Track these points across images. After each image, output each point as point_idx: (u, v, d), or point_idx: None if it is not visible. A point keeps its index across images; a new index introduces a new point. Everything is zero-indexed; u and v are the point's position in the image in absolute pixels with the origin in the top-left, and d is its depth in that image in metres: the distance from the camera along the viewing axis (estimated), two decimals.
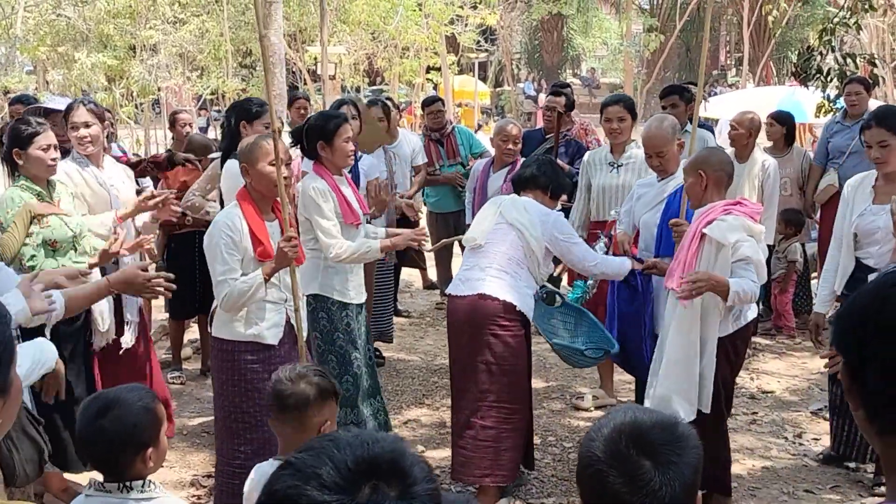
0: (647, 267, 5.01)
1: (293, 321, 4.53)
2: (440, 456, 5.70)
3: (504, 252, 4.88)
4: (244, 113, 5.71)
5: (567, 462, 5.60)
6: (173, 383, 6.96)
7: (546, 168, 5.24)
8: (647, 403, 4.58)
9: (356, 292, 5.29)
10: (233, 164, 5.60)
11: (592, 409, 6.48)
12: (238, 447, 4.41)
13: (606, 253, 5.32)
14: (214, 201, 6.12)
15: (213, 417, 6.08)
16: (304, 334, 4.54)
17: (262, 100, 6.01)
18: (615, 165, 6.47)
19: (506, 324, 4.80)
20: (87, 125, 5.28)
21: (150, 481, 2.72)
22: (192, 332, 7.82)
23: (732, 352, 4.61)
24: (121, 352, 5.30)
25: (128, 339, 5.36)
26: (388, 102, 8.58)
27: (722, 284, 4.28)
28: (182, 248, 6.94)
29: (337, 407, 3.26)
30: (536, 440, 5.80)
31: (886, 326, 1.40)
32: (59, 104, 6.01)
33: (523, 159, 6.74)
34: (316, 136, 5.16)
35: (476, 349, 4.82)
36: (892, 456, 1.46)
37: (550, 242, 4.92)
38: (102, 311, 5.01)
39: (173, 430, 5.91)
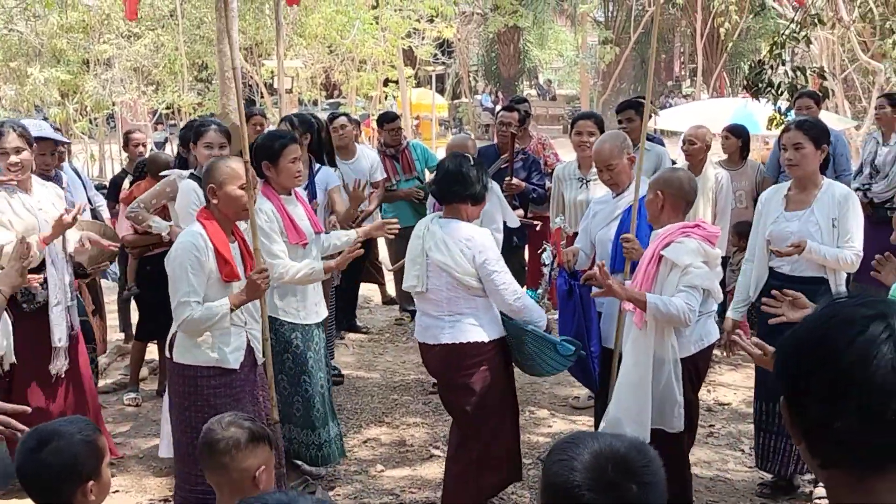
0: (587, 277, 5.03)
1: (252, 344, 4.52)
2: (400, 475, 5.69)
3: (447, 297, 4.71)
4: (189, 133, 5.77)
5: (526, 479, 5.58)
6: (129, 405, 6.89)
7: (456, 178, 4.84)
8: (601, 425, 4.62)
9: (308, 312, 5.25)
10: (187, 184, 5.59)
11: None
12: (199, 473, 4.36)
13: (553, 261, 5.35)
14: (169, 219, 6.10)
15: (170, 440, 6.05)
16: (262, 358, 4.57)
17: (205, 119, 6.03)
18: (583, 181, 6.52)
19: (478, 360, 4.74)
20: (17, 151, 5.08)
21: None
22: (150, 353, 7.74)
23: (694, 373, 4.64)
24: (53, 378, 5.25)
25: (58, 366, 5.27)
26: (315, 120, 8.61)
27: (638, 297, 4.32)
28: (157, 268, 6.84)
29: (272, 452, 3.20)
30: (523, 448, 5.82)
31: (825, 362, 1.42)
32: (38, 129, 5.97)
33: None
34: (261, 156, 5.13)
35: (456, 393, 4.79)
36: (835, 489, 1.48)
37: (479, 269, 4.70)
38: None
39: (117, 451, 5.86)
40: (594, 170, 6.36)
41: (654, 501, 1.72)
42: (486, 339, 4.74)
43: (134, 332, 7.34)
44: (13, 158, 5.06)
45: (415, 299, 4.99)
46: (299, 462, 5.41)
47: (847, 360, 1.39)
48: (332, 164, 7.16)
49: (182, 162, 6.26)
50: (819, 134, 5.05)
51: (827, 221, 4.94)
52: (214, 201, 4.41)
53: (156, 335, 7.07)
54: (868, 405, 1.37)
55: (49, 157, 6.06)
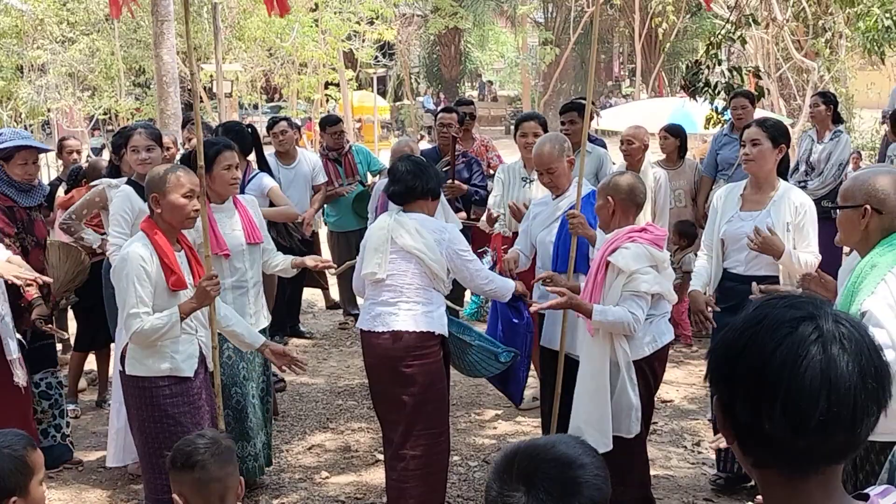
0: (542, 278, 5.07)
1: (204, 351, 4.49)
2: (345, 481, 5.66)
3: (409, 283, 4.74)
4: (120, 139, 5.70)
5: (472, 482, 5.60)
6: (73, 416, 6.76)
7: (415, 175, 4.90)
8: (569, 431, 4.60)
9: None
10: (123, 191, 5.49)
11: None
12: (166, 481, 4.30)
13: (492, 269, 5.37)
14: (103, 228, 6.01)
15: (105, 453, 5.95)
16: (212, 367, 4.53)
17: (134, 123, 5.98)
18: (527, 180, 6.55)
19: (426, 352, 4.74)
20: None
21: None
22: (89, 364, 7.60)
23: (650, 374, 4.67)
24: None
25: (20, 376, 5.19)
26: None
27: (583, 307, 4.37)
28: (92, 278, 6.73)
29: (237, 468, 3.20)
30: (469, 450, 5.82)
31: (751, 365, 1.43)
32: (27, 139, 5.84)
33: None
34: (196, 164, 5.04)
35: (399, 383, 4.74)
36: (768, 487, 1.50)
37: (450, 260, 4.82)
38: None
39: None
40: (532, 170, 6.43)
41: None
42: (436, 332, 4.75)
43: (73, 343, 7.19)
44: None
45: (366, 289, 4.91)
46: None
47: (775, 362, 1.40)
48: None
49: (114, 169, 6.15)
50: (778, 134, 5.11)
51: (782, 225, 4.98)
52: (158, 210, 4.34)
53: (94, 346, 6.96)
54: (796, 407, 1.38)
55: (32, 167, 5.83)
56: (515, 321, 5.37)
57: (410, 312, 4.72)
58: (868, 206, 3.42)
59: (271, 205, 6.77)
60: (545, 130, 6.50)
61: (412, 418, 4.75)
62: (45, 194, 6.03)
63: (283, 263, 5.47)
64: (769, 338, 1.42)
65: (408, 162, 4.99)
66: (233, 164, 5.14)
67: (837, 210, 3.56)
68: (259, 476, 5.41)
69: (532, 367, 5.82)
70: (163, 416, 4.30)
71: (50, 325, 5.53)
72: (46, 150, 6.48)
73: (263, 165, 7.07)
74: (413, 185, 4.86)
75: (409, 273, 4.74)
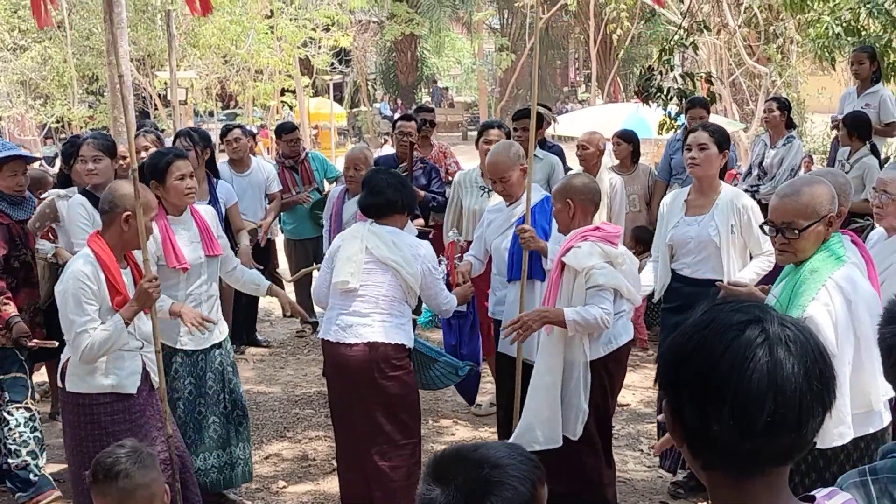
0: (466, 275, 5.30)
1: (148, 367, 4.41)
2: (303, 490, 5.63)
3: (384, 294, 4.68)
4: (71, 149, 5.61)
5: None
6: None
7: (396, 189, 4.89)
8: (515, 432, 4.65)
9: (192, 338, 4.97)
10: (75, 200, 5.42)
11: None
12: None
13: (446, 277, 5.39)
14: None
15: (64, 465, 5.87)
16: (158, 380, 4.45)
17: (80, 138, 5.91)
18: (486, 189, 6.56)
19: (399, 364, 4.71)
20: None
21: None
22: (40, 376, 7.50)
23: (606, 376, 4.69)
24: None
25: None
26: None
27: (555, 316, 4.41)
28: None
29: (161, 476, 3.19)
30: (425, 457, 5.81)
31: (699, 369, 1.45)
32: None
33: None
34: (149, 175, 4.92)
35: (372, 395, 4.67)
36: (716, 489, 1.51)
37: (423, 276, 4.76)
38: None
39: None
40: None
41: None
42: (408, 345, 4.74)
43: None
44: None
45: (332, 299, 4.82)
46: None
47: (723, 365, 1.42)
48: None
49: (65, 179, 6.07)
50: (723, 139, 5.22)
51: (726, 227, 5.06)
52: (125, 227, 4.25)
53: (44, 357, 6.85)
54: (743, 410, 1.40)
55: (22, 178, 5.67)
56: (461, 321, 5.44)
57: (385, 324, 4.67)
58: (832, 214, 3.47)
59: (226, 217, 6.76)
60: (508, 138, 6.52)
61: (388, 429, 4.70)
62: (34, 206, 5.88)
63: (252, 281, 5.39)
64: (716, 341, 1.44)
65: (388, 174, 4.97)
66: (186, 173, 4.99)
67: (798, 232, 3.46)
68: (219, 489, 5.31)
69: (490, 371, 5.86)
70: (102, 434, 4.20)
71: (35, 341, 5.43)
72: (36, 160, 6.33)
73: (214, 173, 7.04)
74: (394, 198, 4.82)
75: (384, 284, 4.69)
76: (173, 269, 4.88)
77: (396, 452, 4.73)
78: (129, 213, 4.22)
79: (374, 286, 4.69)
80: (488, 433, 6.45)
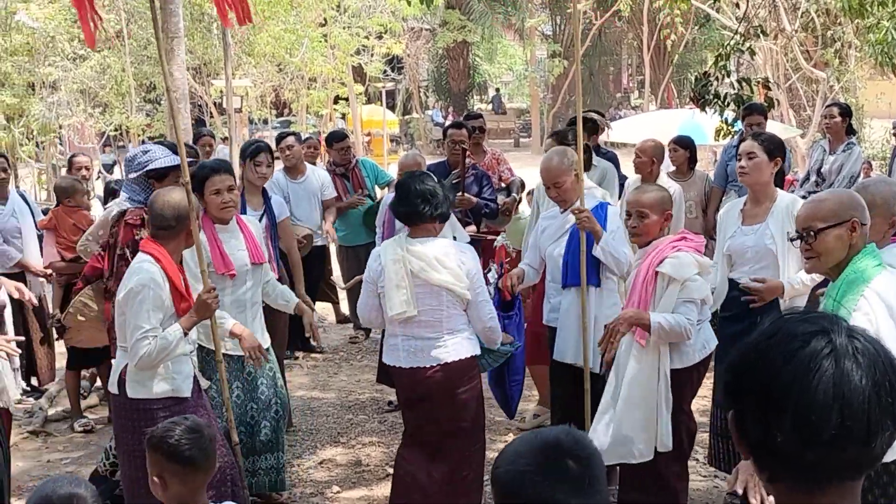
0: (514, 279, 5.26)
1: (196, 370, 4.48)
2: (357, 495, 5.65)
3: (447, 315, 4.66)
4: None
5: (485, 496, 5.58)
6: (86, 429, 6.84)
7: (424, 199, 4.72)
8: (600, 440, 4.52)
9: (237, 343, 4.99)
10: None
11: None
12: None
13: (497, 282, 5.39)
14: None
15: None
16: (206, 383, 4.54)
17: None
18: None
19: (474, 373, 4.77)
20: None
21: None
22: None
23: (697, 380, 4.72)
24: None
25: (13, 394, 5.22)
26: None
27: (640, 319, 4.38)
28: None
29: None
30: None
31: (762, 379, 1.43)
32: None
33: None
34: (193, 186, 4.97)
35: (455, 413, 4.73)
36: (782, 501, 1.49)
37: (472, 282, 4.71)
38: (3, 386, 4.77)
39: None
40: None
41: (594, 473, 1.76)
42: (478, 352, 4.78)
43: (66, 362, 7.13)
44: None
45: (398, 326, 4.73)
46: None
47: (787, 375, 1.40)
48: None
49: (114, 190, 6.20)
50: (773, 147, 5.16)
51: (782, 235, 4.98)
52: (190, 236, 4.38)
53: (87, 363, 6.96)
54: (806, 421, 1.37)
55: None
56: (506, 321, 5.41)
57: (455, 341, 4.68)
58: (856, 219, 3.42)
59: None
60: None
61: (468, 440, 4.80)
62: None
63: (282, 297, 5.42)
64: (781, 352, 1.42)
65: (419, 182, 4.79)
66: (222, 188, 5.06)
67: (815, 234, 3.46)
68: (272, 490, 5.38)
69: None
70: None
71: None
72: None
73: None
74: (422, 210, 4.70)
75: (442, 306, 4.65)
76: (221, 275, 4.97)
77: (474, 458, 4.87)
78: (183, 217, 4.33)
79: (432, 311, 4.65)
80: None
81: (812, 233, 3.45)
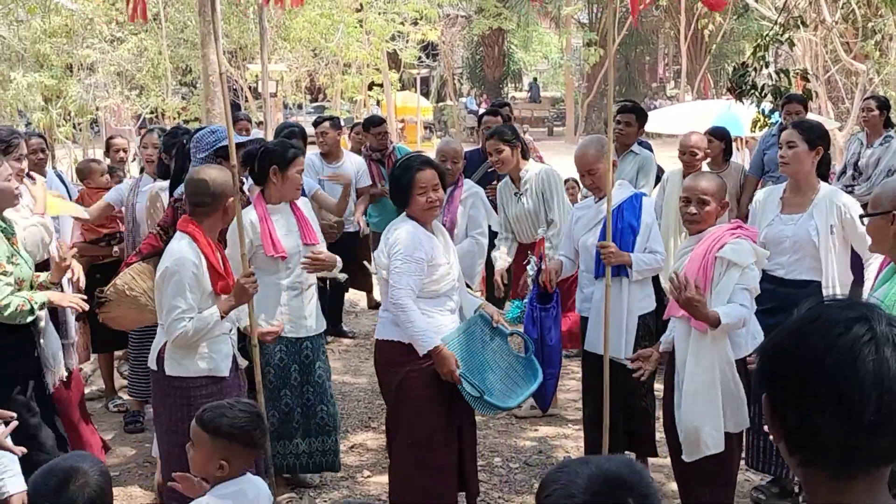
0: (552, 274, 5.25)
1: (235, 349, 4.52)
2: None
3: (384, 293, 4.83)
4: (173, 140, 5.69)
5: (513, 483, 5.60)
6: (120, 410, 6.89)
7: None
8: (682, 436, 4.50)
9: (296, 325, 5.18)
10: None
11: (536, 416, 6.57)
12: None
13: (538, 274, 5.36)
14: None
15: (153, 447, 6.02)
16: (244, 363, 4.58)
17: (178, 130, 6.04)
18: (517, 195, 6.57)
19: (393, 360, 4.77)
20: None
21: None
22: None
23: (745, 373, 4.67)
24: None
25: (72, 363, 5.31)
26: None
27: (704, 309, 4.24)
28: (107, 278, 6.77)
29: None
30: (481, 462, 5.82)
31: (802, 365, 1.43)
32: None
33: (466, 179, 6.76)
34: (273, 161, 5.13)
35: (382, 392, 4.96)
36: (814, 487, 1.49)
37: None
38: (54, 352, 4.83)
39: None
40: (523, 181, 6.52)
41: None
42: (395, 339, 4.66)
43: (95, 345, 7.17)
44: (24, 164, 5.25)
45: (465, 293, 5.03)
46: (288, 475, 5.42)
47: (829, 361, 1.40)
48: None
49: (165, 169, 6.23)
50: (814, 136, 5.07)
51: (825, 227, 4.93)
52: (226, 213, 4.42)
53: (116, 346, 7.02)
54: (846, 408, 1.38)
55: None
56: (544, 313, 5.38)
57: (381, 321, 4.79)
58: (894, 212, 3.40)
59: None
60: (509, 143, 6.46)
61: (393, 426, 4.86)
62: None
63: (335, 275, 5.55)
64: (822, 337, 1.42)
65: (396, 165, 4.90)
66: (302, 169, 5.25)
67: (866, 219, 3.56)
68: (318, 471, 5.46)
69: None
70: None
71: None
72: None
73: None
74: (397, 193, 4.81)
75: (385, 286, 4.73)
76: (271, 257, 5.01)
77: (397, 449, 4.81)
78: (231, 198, 4.37)
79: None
80: (572, 430, 6.41)
81: (864, 219, 3.54)
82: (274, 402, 5.15)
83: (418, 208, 4.67)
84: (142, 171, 6.84)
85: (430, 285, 4.65)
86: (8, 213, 4.69)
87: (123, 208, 6.57)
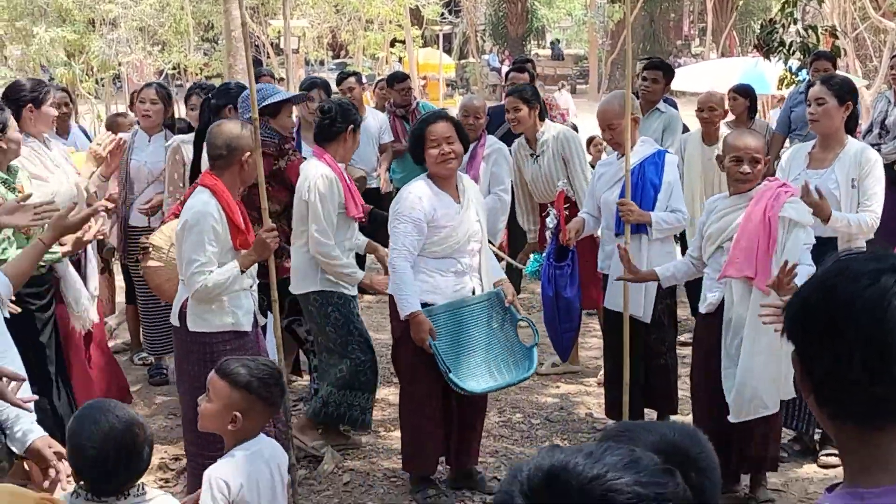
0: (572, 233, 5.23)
1: (255, 306, 4.56)
2: None
3: None
4: (229, 98, 5.63)
5: (535, 439, 5.64)
6: (145, 363, 6.92)
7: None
8: (730, 396, 4.46)
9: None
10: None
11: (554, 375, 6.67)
12: (213, 439, 4.36)
13: (557, 227, 5.34)
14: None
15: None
16: (263, 320, 4.62)
17: (244, 85, 5.98)
18: (533, 156, 6.50)
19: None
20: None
21: (140, 484, 2.81)
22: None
23: None
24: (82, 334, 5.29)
25: (94, 316, 5.36)
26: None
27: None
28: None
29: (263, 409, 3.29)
30: (501, 418, 5.86)
31: (831, 315, 1.43)
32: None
33: (490, 135, 6.73)
34: (349, 120, 5.13)
35: None
36: (844, 439, 1.49)
37: None
38: (77, 297, 4.92)
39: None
40: (540, 142, 6.40)
41: (710, 486, 1.69)
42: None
43: (125, 297, 7.24)
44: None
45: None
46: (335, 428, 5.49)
47: (856, 310, 1.40)
48: None
49: (189, 125, 6.26)
50: (844, 91, 5.01)
51: (846, 181, 4.89)
52: (245, 168, 4.37)
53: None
54: (878, 357, 1.38)
55: (291, 120, 5.98)
56: (558, 271, 5.38)
57: None
58: None
59: None
60: (527, 102, 6.37)
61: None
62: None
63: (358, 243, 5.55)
64: (850, 288, 1.42)
65: None
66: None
67: None
68: (362, 427, 5.46)
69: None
70: None
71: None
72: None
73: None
74: None
75: None
76: (350, 217, 5.05)
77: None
78: (248, 153, 4.33)
79: None
80: (593, 387, 6.43)
81: None
82: (368, 351, 5.24)
83: (431, 161, 4.67)
84: (136, 127, 6.75)
85: (430, 246, 4.67)
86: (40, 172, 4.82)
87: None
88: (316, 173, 4.98)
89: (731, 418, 4.46)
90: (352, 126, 5.15)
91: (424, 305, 4.59)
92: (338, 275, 5.05)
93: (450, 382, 4.57)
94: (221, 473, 3.15)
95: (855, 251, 1.54)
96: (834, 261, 1.50)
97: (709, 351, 4.63)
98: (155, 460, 5.30)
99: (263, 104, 5.16)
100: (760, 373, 4.36)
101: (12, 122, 4.61)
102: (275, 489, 3.28)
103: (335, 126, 5.13)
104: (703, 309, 4.72)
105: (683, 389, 6.11)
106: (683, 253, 5.48)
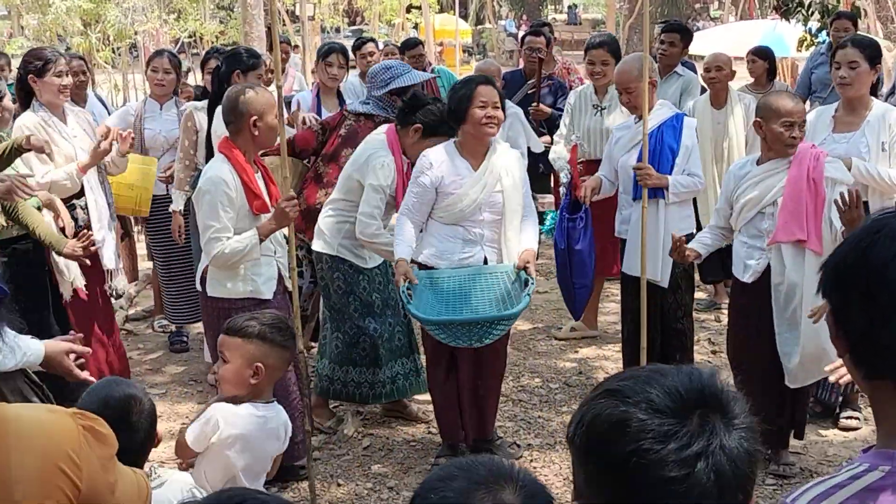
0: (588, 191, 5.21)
1: (283, 272, 4.56)
2: (423, 398, 5.72)
3: None
4: (237, 63, 5.61)
5: (553, 403, 5.65)
6: (165, 331, 6.94)
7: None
8: (790, 362, 4.42)
9: (373, 256, 5.14)
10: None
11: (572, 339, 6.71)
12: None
13: (569, 183, 5.33)
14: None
15: (199, 365, 6.17)
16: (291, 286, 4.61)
17: (254, 50, 5.98)
18: (598, 108, 6.42)
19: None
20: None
21: (153, 466, 2.82)
22: None
23: None
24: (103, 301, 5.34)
25: (116, 285, 5.40)
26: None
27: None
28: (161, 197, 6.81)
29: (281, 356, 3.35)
30: (517, 383, 5.88)
31: (869, 271, 1.42)
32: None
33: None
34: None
35: None
36: (879, 399, 1.49)
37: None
38: (69, 263, 4.97)
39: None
40: (609, 94, 6.28)
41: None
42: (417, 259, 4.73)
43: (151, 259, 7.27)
44: (66, 80, 5.26)
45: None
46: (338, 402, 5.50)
47: (891, 276, 1.39)
48: None
49: (205, 91, 6.26)
50: (874, 52, 4.96)
51: (877, 144, 4.85)
52: (255, 132, 4.34)
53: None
54: None
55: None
56: (570, 224, 5.39)
57: None
58: None
59: None
60: (616, 56, 6.29)
61: None
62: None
63: None
64: (887, 246, 1.41)
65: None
66: None
67: None
68: (378, 402, 5.38)
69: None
70: None
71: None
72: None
73: None
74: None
75: None
76: (392, 197, 4.98)
77: None
78: (255, 117, 4.31)
79: None
80: (612, 351, 6.43)
81: None
82: (362, 330, 5.12)
83: (474, 121, 4.59)
84: (147, 96, 6.76)
85: (437, 211, 4.69)
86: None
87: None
88: (387, 160, 4.93)
89: (790, 383, 4.44)
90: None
91: (427, 268, 4.69)
92: (379, 252, 5.02)
93: (409, 312, 4.66)
94: (222, 415, 3.20)
95: (892, 209, 1.52)
96: (870, 220, 1.49)
97: (753, 317, 4.56)
98: (176, 426, 5.39)
99: (392, 86, 5.31)
100: (819, 339, 4.22)
101: (6, 92, 4.67)
102: (264, 459, 3.34)
103: (438, 124, 4.92)
104: (748, 277, 4.59)
105: (701, 354, 6.13)
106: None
